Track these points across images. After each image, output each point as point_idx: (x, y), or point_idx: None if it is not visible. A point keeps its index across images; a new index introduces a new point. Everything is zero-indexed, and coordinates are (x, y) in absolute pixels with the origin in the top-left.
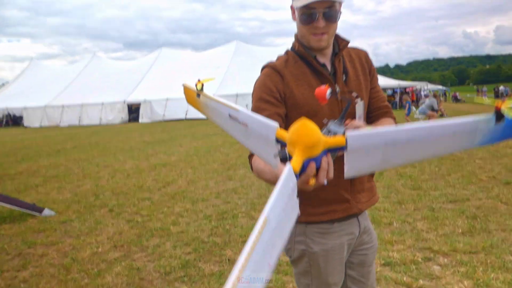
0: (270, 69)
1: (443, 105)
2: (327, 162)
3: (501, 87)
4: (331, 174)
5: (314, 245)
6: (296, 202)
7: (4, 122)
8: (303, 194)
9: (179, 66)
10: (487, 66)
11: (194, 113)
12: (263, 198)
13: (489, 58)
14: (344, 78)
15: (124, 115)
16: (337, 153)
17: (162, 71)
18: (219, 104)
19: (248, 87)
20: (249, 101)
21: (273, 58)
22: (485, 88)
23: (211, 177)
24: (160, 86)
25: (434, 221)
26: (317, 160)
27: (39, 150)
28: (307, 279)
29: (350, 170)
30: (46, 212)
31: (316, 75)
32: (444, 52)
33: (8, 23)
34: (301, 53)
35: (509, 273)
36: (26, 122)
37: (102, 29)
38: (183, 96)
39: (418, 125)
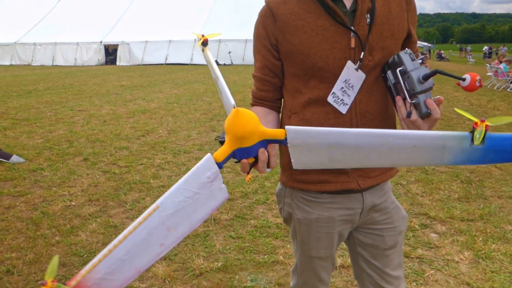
0: (264, 8)
1: (428, 63)
2: (266, 153)
3: (485, 47)
4: (274, 164)
5: (298, 211)
6: (218, 189)
7: None
8: (287, 157)
9: (159, 7)
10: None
11: (174, 58)
12: None
13: (474, 16)
14: (368, 19)
15: (101, 56)
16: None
17: (141, 11)
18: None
19: (231, 33)
20: (231, 48)
21: (259, 5)
22: (469, 47)
23: (194, 127)
24: (139, 27)
25: (429, 185)
26: (252, 150)
27: (8, 90)
28: (294, 243)
29: (296, 163)
30: (14, 158)
31: (327, 14)
32: (430, 7)
33: None
34: None
35: (510, 244)
36: None
37: None
38: (163, 39)
39: (370, 131)
